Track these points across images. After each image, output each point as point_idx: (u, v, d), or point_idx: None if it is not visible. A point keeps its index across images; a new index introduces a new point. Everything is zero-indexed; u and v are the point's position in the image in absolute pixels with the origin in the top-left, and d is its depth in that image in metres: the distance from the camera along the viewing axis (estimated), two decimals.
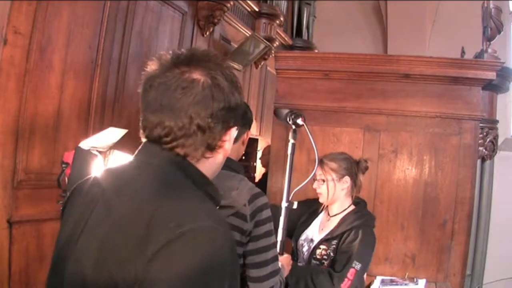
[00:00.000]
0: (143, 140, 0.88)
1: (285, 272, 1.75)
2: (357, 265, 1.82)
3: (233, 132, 0.89)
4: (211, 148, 0.86)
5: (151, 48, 3.33)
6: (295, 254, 2.05)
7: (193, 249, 0.70)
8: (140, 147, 0.89)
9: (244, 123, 1.56)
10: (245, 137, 1.61)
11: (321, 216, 2.08)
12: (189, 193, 0.81)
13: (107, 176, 0.89)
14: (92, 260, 0.75)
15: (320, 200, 2.02)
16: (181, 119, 0.81)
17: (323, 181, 1.97)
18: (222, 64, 0.87)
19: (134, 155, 0.89)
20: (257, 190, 1.49)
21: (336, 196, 1.98)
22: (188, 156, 0.84)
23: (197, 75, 0.82)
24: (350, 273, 1.81)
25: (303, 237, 2.05)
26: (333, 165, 1.98)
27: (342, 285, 1.81)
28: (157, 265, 0.69)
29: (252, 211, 1.43)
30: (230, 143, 0.89)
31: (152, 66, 0.86)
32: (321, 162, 1.99)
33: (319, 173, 1.99)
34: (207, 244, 0.71)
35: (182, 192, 0.80)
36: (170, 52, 0.87)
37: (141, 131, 0.88)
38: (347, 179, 1.98)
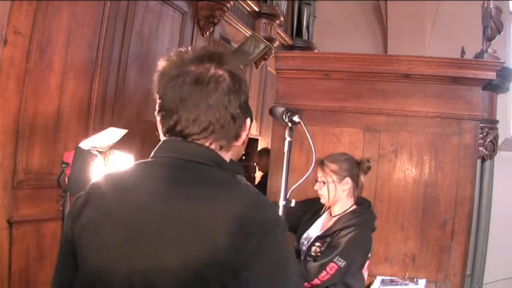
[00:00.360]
0: (163, 137, 0.89)
1: None
2: (340, 262, 1.79)
3: (248, 122, 0.95)
4: (237, 137, 0.92)
5: (151, 48, 3.33)
6: (297, 253, 2.06)
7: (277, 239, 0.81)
8: (165, 144, 0.89)
9: None
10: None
11: (324, 216, 2.08)
12: (239, 185, 0.88)
13: (143, 171, 0.88)
14: (178, 258, 0.77)
15: (322, 201, 2.02)
16: (218, 111, 0.86)
17: (324, 183, 1.97)
18: (234, 61, 0.91)
19: (158, 153, 0.88)
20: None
21: (337, 197, 1.98)
22: (222, 148, 0.90)
23: (222, 71, 0.87)
24: (330, 267, 1.79)
25: (304, 236, 2.05)
26: (334, 166, 1.97)
27: (320, 276, 1.80)
28: (254, 255, 0.76)
29: None
30: (245, 133, 0.95)
31: (168, 63, 0.88)
32: (321, 164, 1.98)
33: (319, 175, 1.98)
34: (282, 232, 0.83)
35: (237, 184, 0.87)
36: (185, 49, 0.89)
37: (164, 128, 0.88)
38: (348, 180, 1.97)
